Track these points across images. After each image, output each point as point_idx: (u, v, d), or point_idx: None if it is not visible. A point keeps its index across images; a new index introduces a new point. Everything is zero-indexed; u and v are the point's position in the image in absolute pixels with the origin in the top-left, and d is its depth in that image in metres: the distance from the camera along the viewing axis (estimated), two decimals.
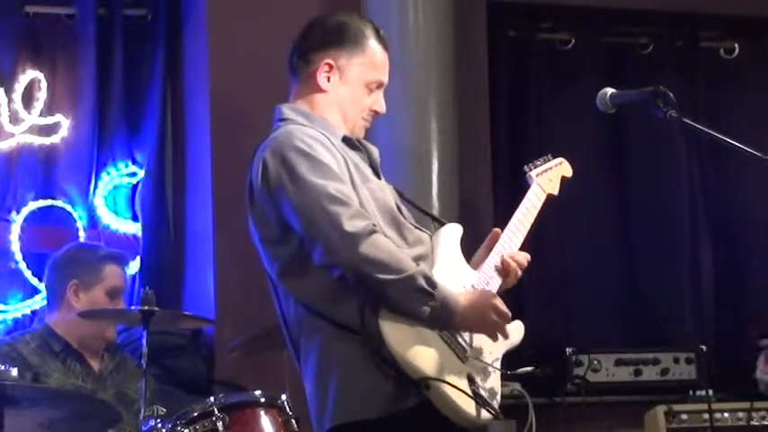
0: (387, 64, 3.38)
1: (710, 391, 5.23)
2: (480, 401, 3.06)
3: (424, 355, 2.99)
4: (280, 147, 3.14)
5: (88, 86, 5.31)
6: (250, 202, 3.21)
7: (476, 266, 3.31)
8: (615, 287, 6.13)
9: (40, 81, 5.27)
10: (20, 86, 5.24)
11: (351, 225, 2.99)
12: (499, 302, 3.12)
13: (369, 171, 3.27)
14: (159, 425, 3.88)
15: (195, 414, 3.82)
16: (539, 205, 3.46)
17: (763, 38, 6.36)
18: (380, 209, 3.18)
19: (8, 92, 5.22)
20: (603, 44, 6.25)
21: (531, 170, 3.53)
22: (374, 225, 3.03)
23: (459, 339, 3.10)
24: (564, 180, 3.59)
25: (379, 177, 3.32)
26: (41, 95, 5.27)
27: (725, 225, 6.26)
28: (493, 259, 3.28)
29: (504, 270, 3.29)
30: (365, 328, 3.00)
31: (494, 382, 3.18)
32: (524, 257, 3.32)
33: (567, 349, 5.51)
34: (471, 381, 3.08)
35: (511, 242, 3.33)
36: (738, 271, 6.19)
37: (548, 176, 3.54)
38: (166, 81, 5.49)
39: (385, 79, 3.38)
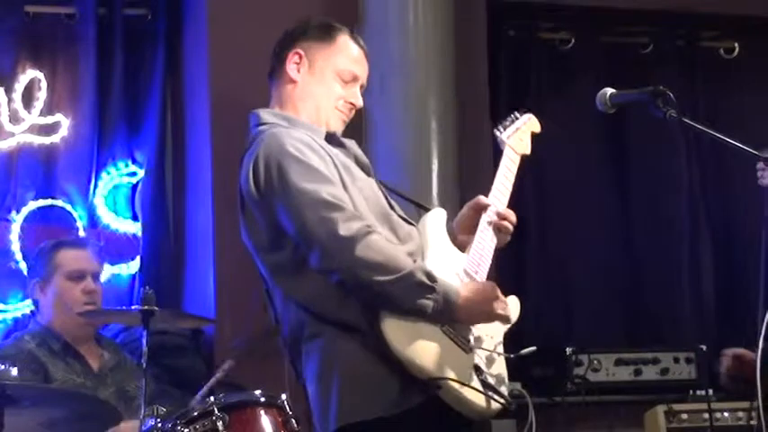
0: (363, 61, 3.38)
1: (710, 391, 5.23)
2: (491, 392, 3.05)
3: (428, 354, 2.99)
4: (269, 152, 3.13)
5: (88, 86, 5.31)
6: (242, 209, 3.20)
7: (462, 231, 3.31)
8: (615, 287, 6.13)
9: (40, 81, 5.27)
10: (20, 86, 5.24)
11: (345, 229, 2.98)
12: (497, 291, 3.12)
13: (356, 169, 3.26)
14: (159, 425, 3.88)
15: (195, 414, 3.80)
16: (515, 169, 3.43)
17: (763, 38, 6.36)
18: (372, 207, 3.17)
19: (8, 92, 5.22)
20: (603, 44, 6.25)
21: (501, 132, 3.47)
22: (369, 226, 3.02)
23: (461, 330, 3.10)
24: (533, 135, 3.54)
25: (368, 174, 3.31)
26: (41, 95, 5.27)
27: (725, 225, 6.26)
28: (479, 238, 3.26)
29: (497, 227, 3.28)
30: (368, 328, 2.99)
31: (500, 367, 3.18)
32: (512, 214, 3.32)
33: (567, 349, 5.49)
34: (478, 371, 3.07)
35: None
36: (738, 271, 6.18)
37: (518, 136, 3.49)
38: (166, 81, 5.49)
39: (360, 73, 3.37)
